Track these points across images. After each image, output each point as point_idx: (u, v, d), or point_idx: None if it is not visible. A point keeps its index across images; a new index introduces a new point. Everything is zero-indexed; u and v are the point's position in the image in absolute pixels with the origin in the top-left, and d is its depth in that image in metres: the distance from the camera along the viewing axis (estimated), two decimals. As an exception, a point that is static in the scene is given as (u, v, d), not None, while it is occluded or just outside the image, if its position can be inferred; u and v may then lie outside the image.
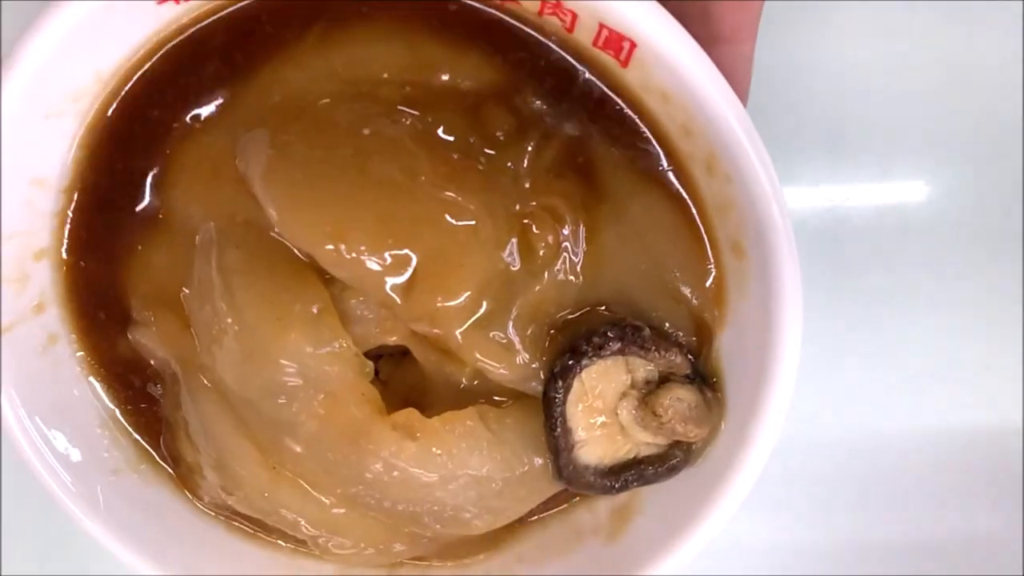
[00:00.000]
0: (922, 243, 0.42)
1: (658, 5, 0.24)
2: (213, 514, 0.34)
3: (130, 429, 0.33)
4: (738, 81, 0.29)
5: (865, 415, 0.43)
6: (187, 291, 0.30)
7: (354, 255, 0.27)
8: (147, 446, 0.33)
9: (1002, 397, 0.43)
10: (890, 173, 0.42)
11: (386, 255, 0.27)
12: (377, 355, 0.31)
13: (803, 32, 0.40)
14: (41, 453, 0.30)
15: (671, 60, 0.25)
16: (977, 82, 0.41)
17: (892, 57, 0.41)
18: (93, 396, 0.32)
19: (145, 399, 0.33)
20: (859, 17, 0.40)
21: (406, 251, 0.27)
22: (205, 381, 0.30)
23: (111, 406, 0.33)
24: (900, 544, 0.44)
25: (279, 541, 0.34)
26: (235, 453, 0.30)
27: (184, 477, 0.33)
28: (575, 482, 0.30)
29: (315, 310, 0.28)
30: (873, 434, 0.43)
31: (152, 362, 0.32)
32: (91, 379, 0.32)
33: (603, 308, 0.29)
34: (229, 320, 0.28)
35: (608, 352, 0.29)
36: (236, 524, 0.34)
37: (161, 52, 0.28)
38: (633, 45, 0.25)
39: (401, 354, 0.31)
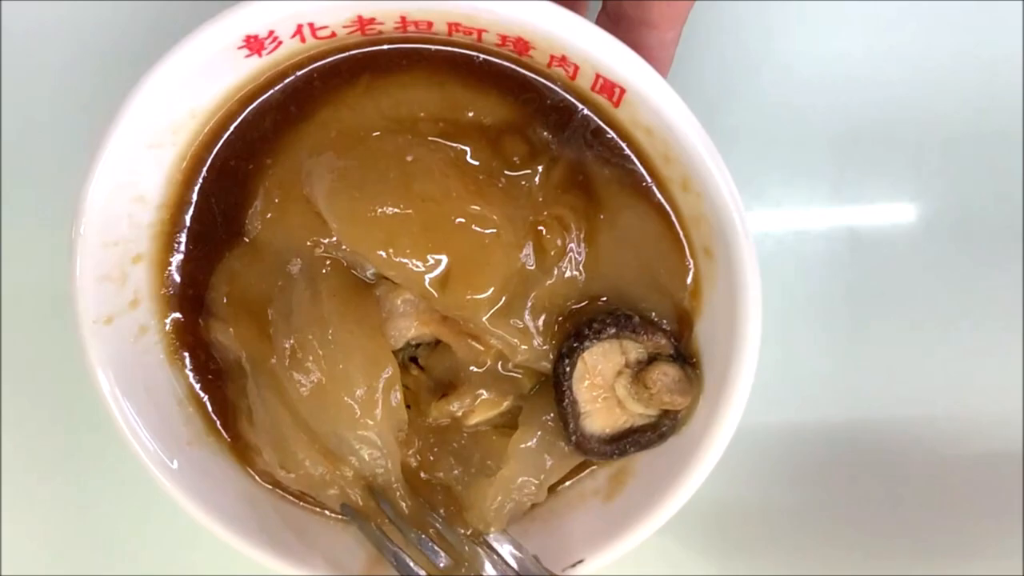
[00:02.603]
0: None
1: (642, 60, 0.30)
2: (267, 486, 0.37)
3: (207, 404, 0.36)
4: (661, 62, 0.31)
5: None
6: (274, 311, 0.33)
7: (401, 259, 0.32)
8: (215, 421, 0.36)
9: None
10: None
11: (427, 257, 0.32)
12: (416, 344, 0.35)
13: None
14: (132, 426, 0.33)
15: (653, 103, 0.30)
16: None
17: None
18: (173, 378, 0.36)
19: (214, 381, 0.36)
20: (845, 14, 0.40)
21: (442, 255, 0.32)
22: (274, 381, 0.33)
23: (187, 387, 0.36)
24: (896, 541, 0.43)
25: (325, 512, 0.37)
26: (298, 445, 0.33)
27: (242, 451, 0.36)
28: (583, 448, 0.34)
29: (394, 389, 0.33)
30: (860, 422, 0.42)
31: (221, 351, 0.35)
32: (172, 364, 0.36)
33: (602, 300, 0.34)
34: (320, 368, 0.32)
35: (605, 336, 0.32)
36: (283, 494, 0.37)
37: (242, 99, 0.33)
38: (623, 91, 0.31)
39: (435, 343, 0.35)
